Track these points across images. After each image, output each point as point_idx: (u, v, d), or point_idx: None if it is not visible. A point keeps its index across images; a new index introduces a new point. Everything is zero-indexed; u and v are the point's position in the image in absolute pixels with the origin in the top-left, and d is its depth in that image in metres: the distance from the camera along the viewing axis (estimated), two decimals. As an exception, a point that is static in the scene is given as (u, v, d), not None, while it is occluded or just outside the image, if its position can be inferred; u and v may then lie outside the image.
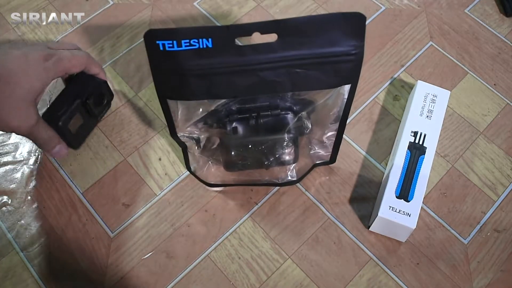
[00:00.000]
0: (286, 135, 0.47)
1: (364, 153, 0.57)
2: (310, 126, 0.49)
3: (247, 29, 0.38)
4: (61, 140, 0.46)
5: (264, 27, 0.38)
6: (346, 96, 0.44)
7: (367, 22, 0.66)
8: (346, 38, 0.39)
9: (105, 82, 0.51)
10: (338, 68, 0.40)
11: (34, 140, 0.44)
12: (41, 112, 0.45)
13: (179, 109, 0.44)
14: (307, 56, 0.39)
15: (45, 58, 0.42)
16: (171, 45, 0.38)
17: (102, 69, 0.48)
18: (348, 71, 0.41)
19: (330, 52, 0.39)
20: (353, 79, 0.42)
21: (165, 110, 0.44)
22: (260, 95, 0.46)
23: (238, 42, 0.40)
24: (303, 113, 0.47)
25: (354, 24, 0.38)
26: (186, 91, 0.41)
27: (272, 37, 0.38)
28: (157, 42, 0.37)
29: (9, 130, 0.42)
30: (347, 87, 0.43)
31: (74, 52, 0.46)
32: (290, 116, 0.47)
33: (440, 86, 0.56)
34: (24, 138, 0.57)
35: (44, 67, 0.41)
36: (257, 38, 0.40)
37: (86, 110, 0.49)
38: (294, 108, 0.47)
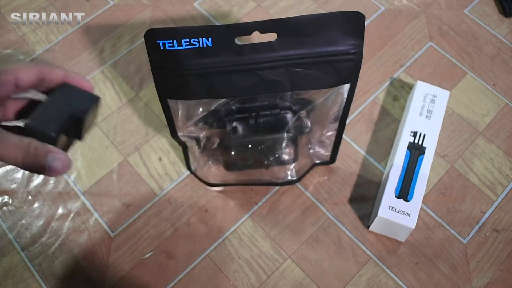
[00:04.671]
0: (285, 135, 0.48)
1: (363, 153, 0.57)
2: (309, 125, 0.49)
3: (247, 28, 0.38)
4: (49, 146, 0.31)
5: (264, 26, 0.38)
6: (345, 96, 0.44)
7: (366, 22, 0.66)
8: (346, 37, 0.39)
9: (99, 98, 0.38)
10: (338, 67, 0.40)
11: (5, 158, 0.30)
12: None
13: (179, 108, 0.44)
14: (307, 55, 0.39)
15: None
16: (171, 45, 0.38)
17: (72, 72, 0.35)
18: (347, 70, 0.41)
19: (329, 51, 0.39)
20: (352, 78, 0.42)
21: (166, 109, 0.44)
22: (259, 95, 0.46)
23: (238, 41, 0.40)
24: (302, 112, 0.48)
25: (353, 23, 0.38)
26: (186, 90, 0.41)
27: (272, 37, 0.38)
28: (158, 41, 0.38)
29: None
30: (346, 87, 0.43)
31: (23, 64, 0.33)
32: (289, 115, 0.47)
33: (439, 86, 0.56)
34: (24, 138, 0.57)
35: None
36: (257, 37, 0.40)
37: (74, 129, 0.38)
38: (294, 107, 0.47)
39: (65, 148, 0.37)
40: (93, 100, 0.38)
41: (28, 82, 0.32)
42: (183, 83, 0.40)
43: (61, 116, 0.35)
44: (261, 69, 0.40)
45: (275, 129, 0.48)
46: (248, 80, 0.40)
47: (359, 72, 0.41)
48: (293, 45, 0.39)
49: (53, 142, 0.33)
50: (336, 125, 0.49)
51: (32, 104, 0.34)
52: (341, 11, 0.38)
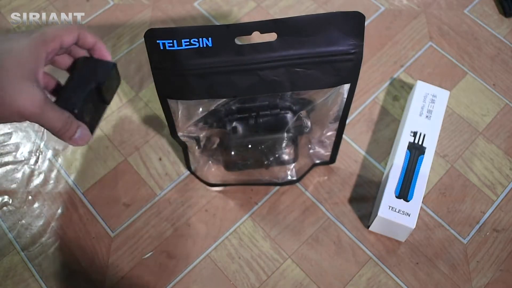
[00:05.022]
0: (285, 134, 0.48)
1: (363, 153, 0.57)
2: (309, 125, 0.49)
3: (247, 28, 0.38)
4: (80, 122, 0.40)
5: (264, 26, 0.38)
6: (345, 96, 0.44)
7: (366, 22, 0.66)
8: (346, 38, 0.39)
9: (115, 64, 0.48)
10: (338, 67, 0.40)
11: (47, 124, 0.38)
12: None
13: (179, 109, 0.44)
14: (307, 55, 0.39)
15: (29, 33, 0.38)
16: (171, 44, 0.38)
17: (100, 40, 0.42)
18: (347, 70, 0.41)
19: (329, 51, 0.39)
20: (352, 78, 0.42)
21: (166, 109, 0.44)
22: (260, 95, 0.46)
23: (238, 41, 0.40)
24: (302, 112, 0.48)
25: (353, 23, 0.38)
26: (186, 90, 0.41)
27: (272, 37, 0.38)
28: (158, 41, 0.38)
29: (14, 114, 0.36)
30: (346, 87, 0.43)
31: (61, 25, 0.44)
32: (289, 115, 0.47)
33: (439, 86, 0.56)
34: (25, 137, 0.57)
35: (30, 39, 0.37)
36: (257, 37, 0.40)
37: (98, 95, 0.48)
38: (294, 107, 0.47)
39: (97, 114, 0.47)
40: (110, 67, 0.46)
41: (69, 43, 0.39)
42: (183, 83, 0.40)
43: (83, 90, 0.44)
44: (261, 69, 0.40)
45: (275, 129, 0.48)
46: (248, 80, 0.40)
47: (359, 72, 0.41)
48: (293, 45, 0.39)
49: (80, 114, 0.42)
50: (336, 125, 0.49)
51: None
52: (341, 11, 0.38)
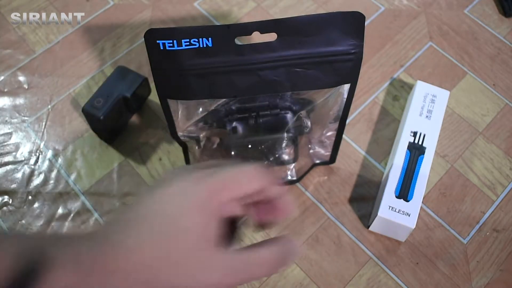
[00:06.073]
0: (285, 135, 0.48)
1: (363, 153, 0.57)
2: (309, 125, 0.49)
3: (247, 28, 0.38)
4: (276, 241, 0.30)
5: (264, 26, 0.38)
6: (345, 95, 0.44)
7: (366, 22, 0.66)
8: (345, 37, 0.39)
9: (146, 78, 0.53)
10: (338, 67, 0.40)
11: (247, 280, 0.28)
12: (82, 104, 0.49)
13: (179, 109, 0.44)
14: (307, 56, 0.39)
15: (199, 181, 0.28)
16: (171, 45, 0.38)
17: (285, 191, 0.32)
18: (347, 70, 0.41)
19: (329, 51, 0.39)
20: (352, 78, 0.42)
21: (166, 110, 0.44)
22: (260, 95, 0.46)
23: (238, 41, 0.40)
24: (302, 112, 0.48)
25: (353, 23, 0.38)
26: (186, 90, 0.41)
27: (272, 37, 0.38)
28: (158, 41, 0.38)
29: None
30: (346, 87, 0.43)
31: (240, 168, 0.29)
32: (289, 115, 0.47)
33: (439, 86, 0.56)
34: (25, 137, 0.57)
35: (204, 198, 0.27)
36: (257, 37, 0.40)
37: (125, 105, 0.50)
38: (294, 107, 0.47)
39: (125, 120, 0.54)
40: (139, 81, 0.52)
41: (248, 195, 0.29)
42: (183, 83, 0.40)
43: (110, 99, 0.49)
44: (261, 69, 0.40)
45: (275, 129, 0.48)
46: (248, 80, 0.40)
47: (359, 72, 0.41)
48: (293, 45, 0.39)
49: (103, 121, 0.48)
50: (336, 125, 0.49)
51: None
52: (341, 11, 0.38)
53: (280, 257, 0.29)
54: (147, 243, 0.25)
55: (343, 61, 0.40)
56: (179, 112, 0.44)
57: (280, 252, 0.29)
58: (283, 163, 0.52)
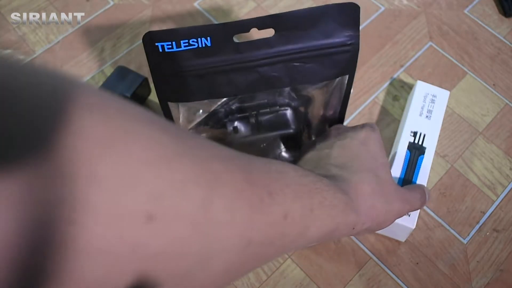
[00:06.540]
0: (286, 131, 0.48)
1: (363, 153, 0.57)
2: (309, 121, 0.49)
3: (244, 25, 0.38)
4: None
5: (261, 22, 0.38)
6: (344, 88, 0.44)
7: (366, 22, 0.66)
8: (342, 29, 0.39)
9: (146, 78, 0.54)
10: (335, 59, 0.40)
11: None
12: None
13: (180, 112, 0.44)
14: (304, 49, 0.39)
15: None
16: (170, 46, 0.38)
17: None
18: (345, 62, 0.41)
19: (326, 44, 0.39)
20: (350, 69, 0.42)
21: (167, 113, 0.44)
22: (259, 92, 0.46)
23: (236, 39, 0.40)
24: (302, 108, 0.48)
25: (348, 14, 0.39)
26: (187, 92, 0.41)
27: (269, 33, 0.38)
28: (156, 44, 0.37)
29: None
30: (344, 79, 0.43)
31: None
32: (289, 111, 0.47)
33: (439, 86, 0.56)
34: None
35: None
36: (256, 34, 0.41)
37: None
38: (293, 103, 0.47)
39: None
40: (139, 81, 0.52)
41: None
42: (183, 84, 0.40)
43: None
44: (260, 66, 0.40)
45: (276, 127, 0.48)
46: (247, 77, 0.40)
47: (356, 63, 0.42)
48: (290, 40, 0.39)
49: None
50: (335, 119, 0.49)
51: None
52: (335, 3, 0.38)
53: (426, 196, 0.44)
54: (365, 178, 0.37)
55: (340, 52, 0.40)
56: (180, 115, 0.44)
57: (426, 192, 0.44)
58: (284, 160, 0.52)
